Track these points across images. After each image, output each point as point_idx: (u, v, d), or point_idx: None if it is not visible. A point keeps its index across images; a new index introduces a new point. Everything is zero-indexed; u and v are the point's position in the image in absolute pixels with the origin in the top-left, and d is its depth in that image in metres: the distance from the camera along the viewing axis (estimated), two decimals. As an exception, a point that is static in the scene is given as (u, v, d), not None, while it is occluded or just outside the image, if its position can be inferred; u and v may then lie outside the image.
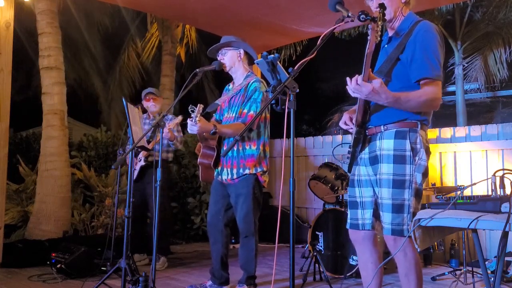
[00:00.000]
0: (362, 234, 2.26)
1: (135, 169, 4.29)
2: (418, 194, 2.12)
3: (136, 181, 4.33)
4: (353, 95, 1.93)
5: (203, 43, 10.45)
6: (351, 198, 2.31)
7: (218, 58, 3.29)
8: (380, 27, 1.87)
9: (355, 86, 1.86)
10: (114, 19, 10.20)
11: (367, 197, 2.24)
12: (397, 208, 2.07)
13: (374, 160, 2.18)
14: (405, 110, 2.06)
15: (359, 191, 2.26)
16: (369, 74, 1.96)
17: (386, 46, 2.26)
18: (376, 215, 2.22)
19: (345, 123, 2.30)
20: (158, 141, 3.51)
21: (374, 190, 2.21)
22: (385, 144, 2.13)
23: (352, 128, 2.28)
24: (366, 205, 2.24)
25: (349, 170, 2.35)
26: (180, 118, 3.92)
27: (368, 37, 1.87)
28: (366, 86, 1.84)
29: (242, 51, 3.28)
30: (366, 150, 2.23)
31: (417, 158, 2.10)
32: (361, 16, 1.82)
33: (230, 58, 3.26)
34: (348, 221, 2.32)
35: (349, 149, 2.31)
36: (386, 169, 2.11)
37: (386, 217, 2.10)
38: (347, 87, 1.93)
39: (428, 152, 2.16)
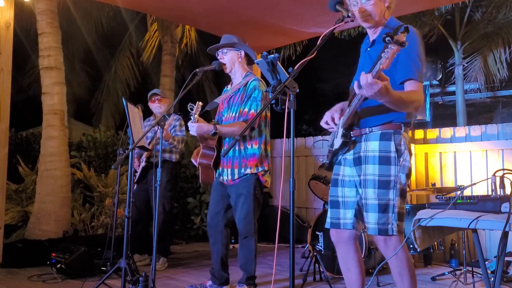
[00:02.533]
0: (347, 234, 2.27)
1: (137, 171, 4.30)
2: (403, 194, 2.14)
3: (139, 182, 4.33)
4: (358, 92, 1.91)
5: (202, 43, 10.43)
6: (333, 198, 2.31)
7: (218, 57, 3.29)
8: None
9: (366, 83, 1.82)
10: (110, 19, 10.14)
11: (350, 197, 2.25)
12: (383, 208, 2.09)
13: (358, 161, 2.19)
14: (400, 109, 2.07)
15: (342, 190, 2.28)
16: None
17: (368, 49, 2.25)
18: (358, 216, 2.24)
19: (327, 123, 2.32)
20: (158, 141, 3.51)
21: (357, 191, 2.22)
22: (371, 146, 2.15)
23: (332, 128, 2.31)
24: (348, 205, 2.25)
25: (330, 169, 2.37)
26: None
27: (385, 56, 1.77)
28: (377, 83, 1.82)
29: (242, 52, 3.29)
30: (351, 151, 2.25)
31: (401, 159, 2.12)
32: (386, 39, 1.74)
33: (230, 59, 3.26)
34: (328, 220, 2.32)
35: (330, 148, 2.33)
36: (372, 170, 2.12)
37: (372, 217, 2.11)
38: (355, 84, 1.89)
39: (410, 153, 2.19)
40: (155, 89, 4.54)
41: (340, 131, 2.24)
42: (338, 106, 2.36)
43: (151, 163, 4.18)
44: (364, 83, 1.84)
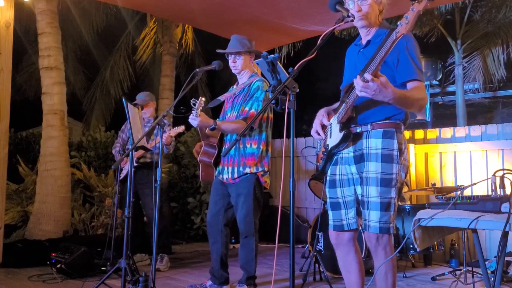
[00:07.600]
0: (347, 236, 2.27)
1: (123, 169, 4.27)
2: (399, 193, 2.17)
3: (125, 182, 4.30)
4: (360, 94, 1.91)
5: (199, 43, 10.39)
6: (333, 200, 2.30)
7: (229, 59, 3.29)
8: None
9: (363, 84, 1.83)
10: (108, 19, 10.09)
11: (349, 196, 2.25)
12: (386, 206, 2.10)
13: (360, 159, 2.18)
14: (405, 107, 2.08)
15: (341, 191, 2.27)
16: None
17: (362, 50, 2.24)
18: (358, 213, 2.24)
19: (317, 132, 2.30)
20: (158, 141, 3.51)
21: (355, 188, 2.22)
22: (373, 143, 2.15)
23: (321, 137, 2.30)
24: (349, 204, 2.25)
25: (323, 171, 2.35)
26: (183, 127, 3.92)
27: (405, 22, 1.75)
28: (374, 81, 1.82)
29: (253, 55, 3.31)
30: (350, 148, 2.23)
31: (402, 158, 2.15)
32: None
33: (244, 62, 3.28)
34: (331, 223, 2.31)
35: (325, 150, 2.30)
36: (374, 168, 2.12)
37: (373, 215, 2.11)
38: (355, 84, 1.88)
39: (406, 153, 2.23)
40: (137, 98, 4.46)
41: (337, 126, 2.21)
42: (323, 112, 2.33)
43: (141, 163, 4.17)
44: (362, 85, 1.84)
